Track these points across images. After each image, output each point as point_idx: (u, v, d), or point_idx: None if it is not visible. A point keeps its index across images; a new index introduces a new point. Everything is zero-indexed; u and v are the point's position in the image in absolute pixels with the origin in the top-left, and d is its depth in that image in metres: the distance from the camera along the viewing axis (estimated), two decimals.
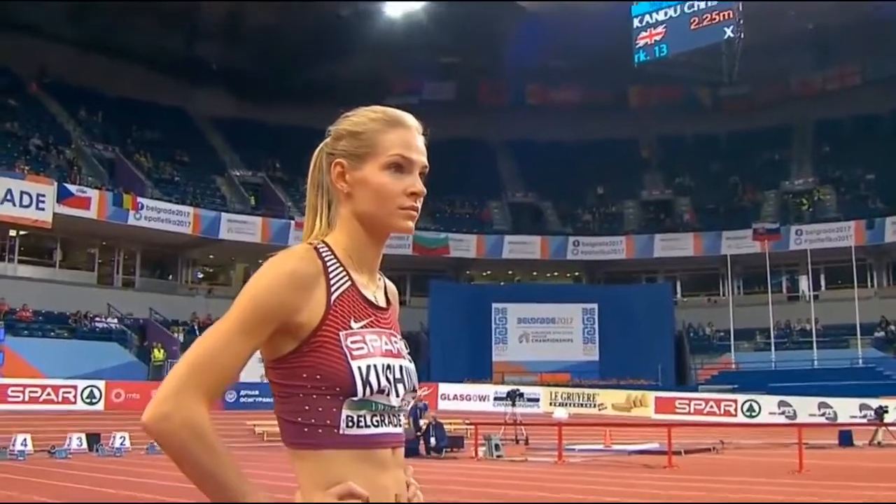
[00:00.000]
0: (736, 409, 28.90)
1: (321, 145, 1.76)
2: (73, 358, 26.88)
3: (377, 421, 1.63)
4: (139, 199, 32.74)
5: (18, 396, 24.63)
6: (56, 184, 30.38)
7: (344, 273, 1.67)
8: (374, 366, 1.62)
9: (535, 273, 42.55)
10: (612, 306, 36.06)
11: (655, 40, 34.19)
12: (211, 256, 38.47)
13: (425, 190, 1.71)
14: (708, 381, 33.53)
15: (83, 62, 36.94)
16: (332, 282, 1.64)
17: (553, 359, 35.75)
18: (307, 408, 1.59)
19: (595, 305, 36.95)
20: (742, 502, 11.32)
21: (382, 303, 1.74)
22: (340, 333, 1.61)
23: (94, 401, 25.52)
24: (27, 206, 29.44)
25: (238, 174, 39.81)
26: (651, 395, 30.51)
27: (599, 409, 30.32)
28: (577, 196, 42.64)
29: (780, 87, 43.00)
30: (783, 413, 28.02)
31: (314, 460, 1.59)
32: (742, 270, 38.81)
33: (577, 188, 42.27)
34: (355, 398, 1.59)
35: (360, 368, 1.59)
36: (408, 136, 1.71)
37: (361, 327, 1.65)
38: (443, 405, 30.64)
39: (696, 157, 42.77)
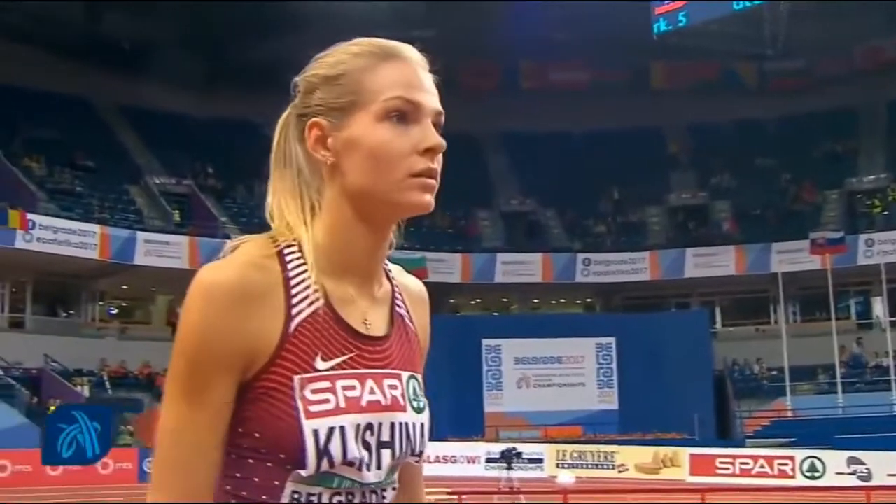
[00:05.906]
0: (794, 469, 28.93)
1: (288, 108, 1.66)
2: None
3: (339, 501, 1.53)
4: (29, 216, 32.58)
5: None
6: None
7: (314, 286, 1.55)
8: (342, 428, 1.50)
9: (535, 300, 42.76)
10: (634, 341, 36.08)
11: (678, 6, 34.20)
12: (124, 287, 38.40)
13: (445, 144, 1.60)
14: (757, 433, 33.63)
15: None
16: (294, 299, 1.52)
17: (560, 408, 35.88)
18: (238, 474, 1.51)
19: (612, 340, 37.09)
20: None
21: (378, 329, 1.63)
22: (296, 378, 1.50)
23: None
24: None
25: (158, 182, 39.81)
26: (685, 453, 30.67)
27: (619, 472, 30.67)
28: (586, 202, 42.71)
29: (841, 59, 42.96)
30: (854, 473, 27.89)
31: None
32: (798, 292, 38.87)
33: (586, 192, 42.32)
34: (304, 472, 1.48)
35: (316, 432, 1.48)
36: (408, 71, 1.62)
37: (331, 368, 1.54)
38: None
39: (737, 150, 42.79)
